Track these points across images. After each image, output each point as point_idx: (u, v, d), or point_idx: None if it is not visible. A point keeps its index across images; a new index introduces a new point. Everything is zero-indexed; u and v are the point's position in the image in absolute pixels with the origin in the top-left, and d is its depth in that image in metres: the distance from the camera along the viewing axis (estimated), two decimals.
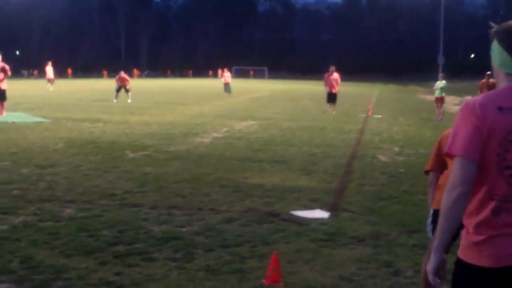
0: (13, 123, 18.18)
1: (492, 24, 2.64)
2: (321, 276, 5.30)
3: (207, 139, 15.25)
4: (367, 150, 13.72)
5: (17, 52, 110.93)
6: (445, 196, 2.48)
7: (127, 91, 30.73)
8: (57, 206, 7.65)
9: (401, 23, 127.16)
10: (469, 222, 2.52)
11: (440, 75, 26.67)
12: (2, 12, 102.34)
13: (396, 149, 14.21)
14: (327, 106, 25.77)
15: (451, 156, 2.50)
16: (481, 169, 2.45)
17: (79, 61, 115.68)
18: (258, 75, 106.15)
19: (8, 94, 21.30)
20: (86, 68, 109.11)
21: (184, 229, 6.73)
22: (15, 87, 45.52)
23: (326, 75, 26.31)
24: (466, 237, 2.54)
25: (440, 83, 24.90)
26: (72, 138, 14.67)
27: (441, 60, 65.07)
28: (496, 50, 2.55)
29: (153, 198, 8.26)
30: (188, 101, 32.23)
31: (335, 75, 25.82)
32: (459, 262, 2.55)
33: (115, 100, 29.81)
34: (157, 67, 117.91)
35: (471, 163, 2.42)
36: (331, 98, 25.75)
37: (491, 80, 22.22)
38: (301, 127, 18.50)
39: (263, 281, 5.07)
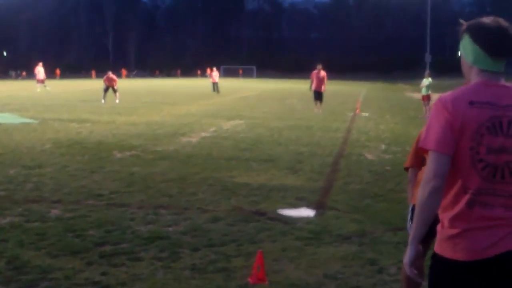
0: (0, 124, 18.11)
1: (462, 21, 2.70)
2: (306, 274, 5.35)
3: (194, 138, 15.28)
4: (353, 149, 13.80)
5: (5, 53, 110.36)
6: (420, 190, 2.54)
7: (115, 91, 30.66)
8: (44, 207, 7.67)
9: (389, 21, 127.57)
10: (444, 216, 2.58)
11: (426, 72, 26.84)
12: None
13: (383, 147, 14.31)
14: (314, 104, 25.83)
15: (425, 151, 2.57)
16: (455, 163, 2.51)
17: (67, 61, 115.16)
18: (246, 74, 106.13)
19: None
20: (74, 68, 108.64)
21: (170, 229, 6.77)
22: (2, 88, 45.39)
23: (313, 72, 26.34)
24: (441, 231, 2.60)
25: (426, 81, 25.07)
26: (59, 138, 14.65)
27: (428, 58, 65.36)
28: (469, 47, 2.60)
29: (139, 198, 8.29)
30: (176, 101, 32.22)
31: (322, 73, 25.88)
32: (435, 256, 2.62)
33: (102, 101, 29.72)
34: (145, 67, 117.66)
35: (444, 157, 2.48)
36: (318, 96, 25.81)
37: None
38: (289, 126, 18.57)
39: (248, 279, 5.12)
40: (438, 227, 2.62)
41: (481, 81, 2.56)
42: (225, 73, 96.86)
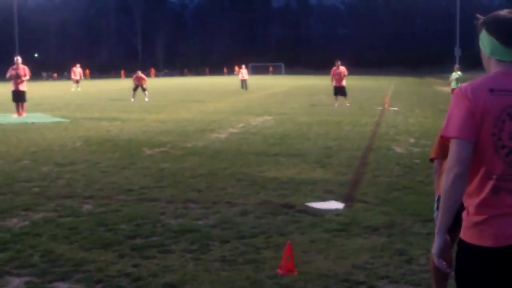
0: (33, 123, 18.44)
1: (479, 15, 2.72)
2: (335, 265, 5.37)
3: (223, 134, 15.37)
4: (382, 142, 13.74)
5: (36, 55, 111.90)
6: (443, 178, 2.55)
7: (144, 90, 30.95)
8: (76, 202, 7.81)
9: (417, 15, 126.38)
10: (470, 203, 2.58)
11: (456, 66, 26.61)
12: (20, 15, 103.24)
13: (412, 140, 14.22)
14: (333, 99, 26.35)
15: (446, 139, 2.57)
16: (478, 150, 2.51)
17: (97, 62, 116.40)
18: (275, 71, 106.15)
19: (28, 96, 21.57)
20: (104, 69, 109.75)
21: (200, 222, 6.84)
22: (34, 89, 46.10)
23: (333, 69, 26.84)
24: (466, 218, 2.60)
25: (456, 74, 24.86)
26: (90, 136, 14.87)
27: (457, 52, 64.70)
28: (486, 39, 2.63)
29: (169, 192, 8.39)
30: (205, 98, 32.39)
31: (342, 69, 26.38)
32: (461, 243, 2.61)
33: (132, 99, 30.04)
34: (174, 66, 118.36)
35: (466, 143, 2.49)
36: (338, 91, 26.45)
37: None
38: (317, 121, 18.55)
39: (278, 270, 5.16)
40: (464, 214, 2.62)
41: (500, 71, 2.57)
42: (253, 71, 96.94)
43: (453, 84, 24.79)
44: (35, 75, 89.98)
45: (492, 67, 2.63)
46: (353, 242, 6.06)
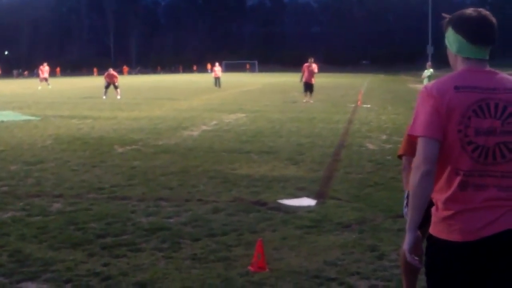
0: (2, 121, 18.16)
1: (445, 14, 2.76)
2: (306, 261, 5.37)
3: (196, 132, 15.31)
4: (355, 139, 13.80)
5: (6, 52, 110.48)
6: (412, 176, 2.57)
7: (116, 87, 30.72)
8: (46, 201, 7.70)
9: (390, 13, 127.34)
10: (438, 199, 2.60)
11: (427, 64, 26.88)
12: None
13: (384, 137, 14.31)
14: (304, 95, 26.76)
15: (413, 138, 2.59)
16: (445, 147, 2.53)
17: (69, 60, 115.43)
18: (245, 68, 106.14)
19: None
20: (76, 66, 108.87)
21: (171, 220, 6.79)
22: (4, 87, 45.49)
23: (305, 65, 27.07)
24: (435, 214, 2.62)
25: (428, 72, 25.12)
26: (60, 135, 14.70)
27: (430, 49, 65.25)
28: (452, 37, 2.67)
29: (141, 191, 8.32)
30: (178, 96, 32.25)
31: (313, 66, 26.78)
32: (430, 238, 2.64)
33: (104, 97, 29.81)
34: (147, 63, 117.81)
35: (433, 141, 2.51)
36: (308, 87, 26.76)
37: None
38: (290, 119, 18.57)
39: (249, 268, 5.14)
40: (433, 209, 2.65)
41: (466, 68, 2.61)
42: (227, 68, 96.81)
43: (425, 81, 25.01)
44: (6, 73, 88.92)
45: (458, 65, 2.67)
46: (324, 238, 6.07)
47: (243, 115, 20.01)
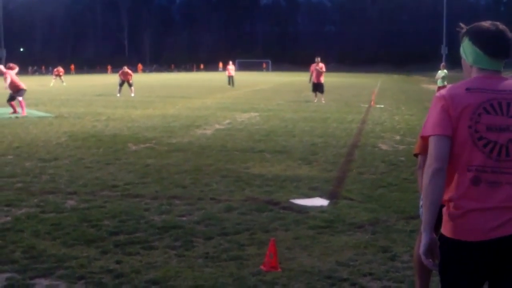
0: (17, 118, 18.30)
1: (462, 25, 2.85)
2: (319, 261, 5.37)
3: (209, 131, 15.33)
4: (368, 140, 13.77)
5: (22, 49, 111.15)
6: (424, 176, 2.60)
7: (130, 85, 30.84)
8: (60, 198, 7.75)
9: (404, 13, 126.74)
10: (449, 197, 2.63)
11: (442, 64, 26.74)
12: (6, 9, 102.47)
13: (397, 137, 14.26)
14: (313, 95, 26.71)
15: (425, 139, 2.65)
16: (456, 144, 2.58)
17: (83, 57, 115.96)
18: (262, 67, 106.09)
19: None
20: (90, 63, 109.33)
21: (184, 218, 6.81)
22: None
23: (312, 65, 26.98)
24: (446, 213, 2.65)
25: (442, 73, 24.99)
26: (75, 132, 14.78)
27: (444, 50, 65.00)
28: (469, 49, 2.76)
29: (154, 189, 8.35)
30: (191, 94, 32.31)
31: (321, 65, 26.65)
32: (441, 237, 2.68)
33: (118, 95, 29.93)
34: (160, 61, 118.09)
35: (443, 138, 2.56)
36: (317, 87, 26.71)
37: None
38: (303, 118, 18.56)
39: (261, 267, 5.15)
40: (444, 209, 2.66)
41: (479, 76, 2.71)
42: (240, 67, 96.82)
43: (439, 82, 24.92)
44: (21, 70, 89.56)
45: (473, 74, 2.74)
46: (337, 239, 6.06)
47: (256, 114, 20.01)
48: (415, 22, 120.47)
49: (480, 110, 2.58)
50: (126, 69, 31.57)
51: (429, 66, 75.82)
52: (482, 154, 2.56)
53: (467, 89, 2.63)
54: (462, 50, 2.79)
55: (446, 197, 2.64)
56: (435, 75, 27.91)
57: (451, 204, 2.62)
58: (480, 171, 2.56)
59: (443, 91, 2.68)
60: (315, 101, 25.79)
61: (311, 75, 27.14)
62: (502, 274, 2.57)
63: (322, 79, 26.79)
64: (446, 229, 2.65)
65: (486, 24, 2.72)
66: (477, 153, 2.56)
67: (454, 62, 78.82)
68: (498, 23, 2.73)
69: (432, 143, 2.58)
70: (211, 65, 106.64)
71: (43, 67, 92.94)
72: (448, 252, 2.64)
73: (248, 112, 20.81)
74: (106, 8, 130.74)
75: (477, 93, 2.61)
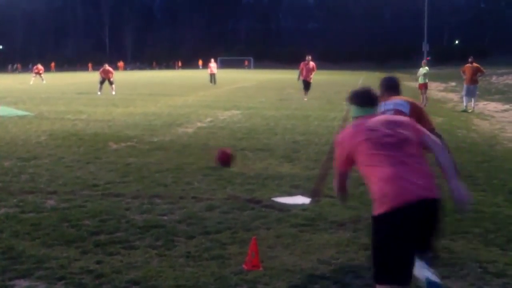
0: None
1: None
2: (300, 260, 5.36)
3: (190, 129, 15.28)
4: None
5: (0, 46, 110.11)
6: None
7: (111, 83, 30.64)
8: (39, 198, 7.67)
9: (386, 10, 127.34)
10: (371, 187, 3.82)
11: (423, 61, 26.83)
12: None
13: None
14: (303, 93, 26.75)
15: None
16: (362, 155, 3.90)
17: (64, 55, 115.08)
18: (244, 65, 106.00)
19: None
20: (71, 61, 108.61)
21: (165, 218, 6.77)
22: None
23: (302, 63, 27.04)
24: (373, 199, 3.75)
25: (423, 70, 25.08)
26: (55, 130, 14.65)
27: (425, 47, 65.37)
28: (352, 108, 4.21)
29: (135, 187, 8.30)
30: (173, 92, 32.18)
31: (311, 64, 26.71)
32: (372, 219, 3.76)
33: (99, 93, 29.74)
34: (142, 59, 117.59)
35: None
36: (307, 85, 26.85)
37: (474, 64, 22.59)
38: (285, 116, 18.56)
39: (243, 266, 5.13)
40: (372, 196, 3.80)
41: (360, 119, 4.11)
42: (222, 65, 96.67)
43: (421, 79, 24.98)
44: (0, 68, 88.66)
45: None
46: (319, 237, 6.07)
47: (238, 112, 19.98)
48: (397, 18, 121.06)
49: (368, 130, 3.94)
50: (107, 66, 31.37)
51: (411, 63, 76.27)
52: (381, 153, 3.93)
53: (353, 126, 4.10)
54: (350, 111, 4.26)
55: (370, 189, 3.96)
56: (416, 72, 28.02)
57: (373, 191, 3.86)
58: (390, 164, 3.96)
59: (339, 135, 4.22)
60: (305, 99, 25.73)
61: (300, 73, 27.21)
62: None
63: (311, 78, 27.00)
64: (375, 211, 3.74)
65: (358, 88, 4.36)
66: (377, 152, 3.95)
67: (436, 59, 79.45)
68: (367, 86, 4.30)
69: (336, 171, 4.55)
70: (193, 62, 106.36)
71: (18, 65, 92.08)
72: (379, 227, 3.73)
73: (230, 110, 20.77)
74: (87, 5, 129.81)
75: (361, 125, 4.01)
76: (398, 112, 5.10)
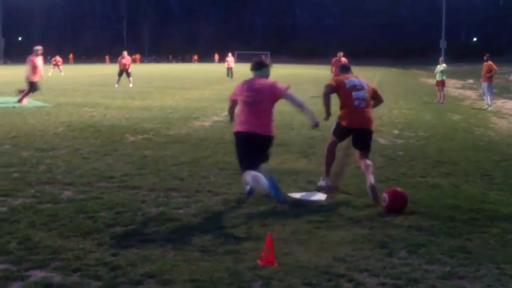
0: (14, 107, 18.23)
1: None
2: (315, 256, 5.34)
3: (207, 122, 15.29)
4: None
5: (20, 38, 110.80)
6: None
7: (128, 75, 30.71)
8: (56, 189, 7.71)
9: (404, 7, 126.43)
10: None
11: (440, 58, 26.63)
12: None
13: (396, 132, 14.24)
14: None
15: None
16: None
17: (82, 47, 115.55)
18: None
19: (10, 80, 21.30)
20: (88, 53, 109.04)
21: (181, 211, 6.78)
22: (18, 73, 45.65)
23: (334, 60, 26.75)
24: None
25: (441, 67, 24.92)
26: (72, 122, 14.73)
27: (443, 44, 64.92)
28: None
29: (151, 180, 8.32)
30: (190, 85, 32.23)
31: (343, 60, 26.33)
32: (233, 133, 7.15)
33: (116, 85, 29.84)
34: (159, 52, 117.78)
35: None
36: None
37: (489, 61, 22.50)
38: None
39: (258, 261, 5.12)
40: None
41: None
42: (239, 59, 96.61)
43: (438, 76, 24.82)
44: (19, 59, 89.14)
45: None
46: (334, 234, 6.04)
47: None
48: (415, 15, 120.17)
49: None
50: (126, 54, 31.39)
51: (428, 60, 75.79)
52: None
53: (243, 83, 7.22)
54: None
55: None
56: (434, 69, 27.83)
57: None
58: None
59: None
60: None
61: (332, 69, 26.82)
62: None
63: None
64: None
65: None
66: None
67: (453, 56, 78.85)
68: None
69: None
70: (209, 56, 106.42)
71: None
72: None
73: None
74: None
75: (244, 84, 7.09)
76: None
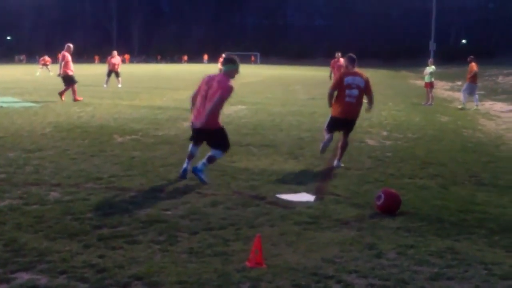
0: (2, 107, 18.10)
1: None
2: (304, 258, 5.32)
3: None
4: (355, 135, 13.63)
5: (9, 37, 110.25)
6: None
7: (117, 75, 30.57)
8: (43, 190, 7.65)
9: (394, 8, 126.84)
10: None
11: (429, 60, 26.74)
12: None
13: (384, 133, 14.26)
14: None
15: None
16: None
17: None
18: (250, 60, 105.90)
19: None
20: (78, 53, 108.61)
21: (169, 212, 6.74)
22: (5, 72, 45.41)
23: (332, 61, 26.76)
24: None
25: (430, 69, 25.01)
26: (60, 122, 14.63)
27: (432, 46, 65.11)
28: None
29: (139, 181, 8.27)
30: (179, 86, 32.14)
31: (342, 61, 26.29)
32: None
33: (105, 85, 29.70)
34: (149, 52, 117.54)
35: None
36: None
37: (472, 63, 22.88)
38: (291, 112, 18.51)
39: (246, 263, 5.09)
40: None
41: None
42: None
43: (427, 78, 24.89)
44: (7, 58, 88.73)
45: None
46: (323, 235, 6.03)
47: (244, 107, 19.94)
48: (404, 17, 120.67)
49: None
50: (115, 54, 31.22)
51: (417, 62, 75.99)
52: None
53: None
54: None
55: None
56: (422, 71, 27.94)
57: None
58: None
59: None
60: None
61: (332, 72, 26.70)
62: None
63: None
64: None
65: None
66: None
67: (443, 58, 79.15)
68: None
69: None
70: (198, 57, 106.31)
71: (23, 57, 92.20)
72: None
73: (236, 105, 20.69)
74: None
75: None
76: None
